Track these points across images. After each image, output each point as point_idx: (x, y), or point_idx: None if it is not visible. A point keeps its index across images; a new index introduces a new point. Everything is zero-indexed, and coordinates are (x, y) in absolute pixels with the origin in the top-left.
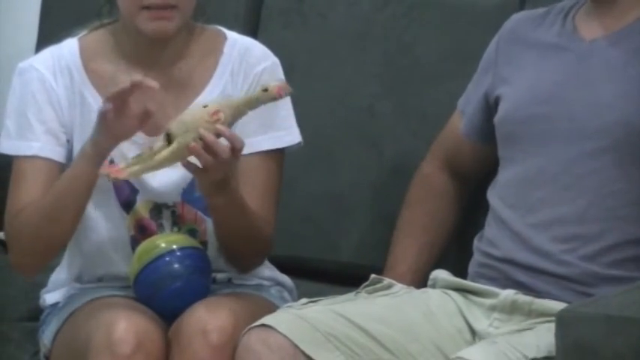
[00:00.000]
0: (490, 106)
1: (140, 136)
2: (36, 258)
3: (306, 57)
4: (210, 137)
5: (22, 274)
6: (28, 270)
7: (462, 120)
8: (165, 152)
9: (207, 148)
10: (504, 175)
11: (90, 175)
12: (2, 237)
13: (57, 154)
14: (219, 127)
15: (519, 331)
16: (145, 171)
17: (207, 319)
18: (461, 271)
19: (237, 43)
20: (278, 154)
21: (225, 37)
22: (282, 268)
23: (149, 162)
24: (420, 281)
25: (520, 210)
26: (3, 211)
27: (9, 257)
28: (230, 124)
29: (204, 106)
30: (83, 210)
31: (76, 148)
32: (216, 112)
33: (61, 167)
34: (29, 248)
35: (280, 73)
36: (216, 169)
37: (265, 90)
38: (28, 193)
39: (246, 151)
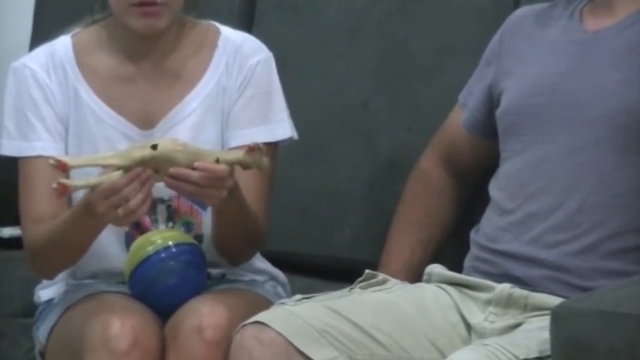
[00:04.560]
0: (492, 100)
1: (133, 129)
2: (55, 267)
3: (301, 52)
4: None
5: (41, 277)
6: (46, 275)
7: (462, 113)
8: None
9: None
10: (506, 167)
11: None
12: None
13: (60, 150)
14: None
15: (513, 327)
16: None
17: (203, 315)
18: (458, 266)
19: (231, 37)
20: (270, 147)
21: (219, 32)
22: (277, 263)
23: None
24: (415, 278)
25: (520, 198)
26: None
27: (29, 261)
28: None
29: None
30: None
31: (71, 142)
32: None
33: None
34: (47, 259)
35: (273, 67)
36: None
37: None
38: (41, 198)
39: (238, 143)
